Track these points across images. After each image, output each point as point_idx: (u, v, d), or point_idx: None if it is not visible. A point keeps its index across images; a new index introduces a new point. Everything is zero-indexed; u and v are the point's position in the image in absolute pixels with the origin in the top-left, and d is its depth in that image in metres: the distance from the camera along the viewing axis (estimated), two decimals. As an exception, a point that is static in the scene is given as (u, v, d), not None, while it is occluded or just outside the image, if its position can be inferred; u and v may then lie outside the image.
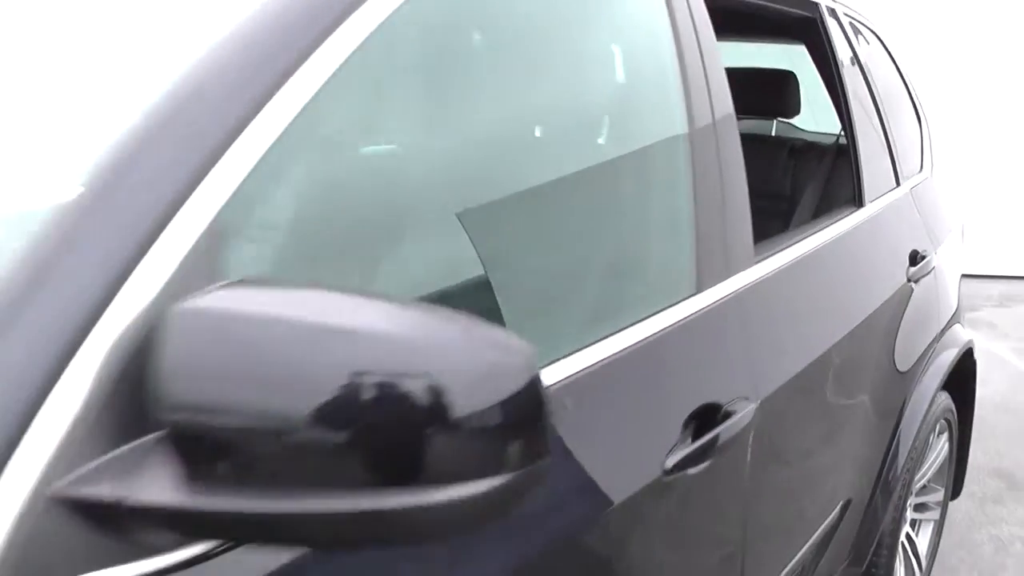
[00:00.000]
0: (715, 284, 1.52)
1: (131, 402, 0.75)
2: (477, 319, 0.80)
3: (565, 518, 1.18)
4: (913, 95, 3.01)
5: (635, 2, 1.56)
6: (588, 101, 1.51)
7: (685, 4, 1.59)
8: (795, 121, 3.09)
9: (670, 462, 1.33)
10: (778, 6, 2.20)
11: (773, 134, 3.44)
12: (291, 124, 0.92)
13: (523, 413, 0.78)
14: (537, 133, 1.47)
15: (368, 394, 0.72)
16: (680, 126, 1.53)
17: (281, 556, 0.85)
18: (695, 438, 1.39)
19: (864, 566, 2.46)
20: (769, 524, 1.80)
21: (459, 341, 0.76)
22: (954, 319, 2.87)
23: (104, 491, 0.73)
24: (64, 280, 0.76)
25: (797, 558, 1.95)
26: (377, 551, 0.91)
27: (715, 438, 1.43)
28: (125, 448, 0.75)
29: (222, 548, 0.79)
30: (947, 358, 2.71)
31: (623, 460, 1.29)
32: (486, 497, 0.76)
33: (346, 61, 0.99)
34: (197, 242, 0.82)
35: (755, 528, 1.69)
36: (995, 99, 6.82)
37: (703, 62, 1.58)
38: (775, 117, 3.29)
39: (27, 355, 0.73)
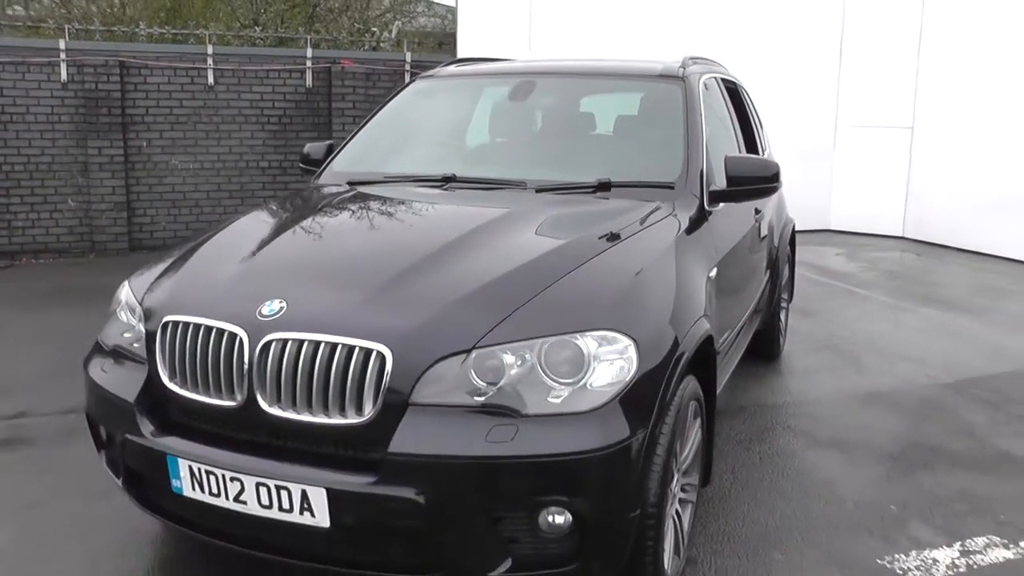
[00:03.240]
0: None
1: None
2: (773, 162, 4.02)
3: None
4: (759, 116, 6.46)
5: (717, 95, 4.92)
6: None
7: (726, 94, 5.00)
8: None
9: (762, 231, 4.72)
10: (727, 84, 5.52)
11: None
12: None
13: (774, 170, 3.99)
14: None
15: (761, 172, 3.96)
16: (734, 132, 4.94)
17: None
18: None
19: (773, 305, 5.85)
20: (761, 272, 5.20)
21: (771, 163, 4.00)
22: (787, 209, 6.39)
23: None
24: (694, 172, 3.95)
25: (758, 293, 5.29)
26: None
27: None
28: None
29: None
30: (789, 229, 6.22)
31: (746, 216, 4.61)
32: (775, 186, 4.02)
33: None
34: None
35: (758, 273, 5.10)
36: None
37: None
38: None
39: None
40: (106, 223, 10.07)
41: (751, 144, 5.60)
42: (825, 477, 4.34)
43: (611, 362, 2.69)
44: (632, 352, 2.72)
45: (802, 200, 11.50)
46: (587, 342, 2.68)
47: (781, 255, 5.93)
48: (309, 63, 10.68)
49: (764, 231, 5.24)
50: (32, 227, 9.93)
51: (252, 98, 10.54)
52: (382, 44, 13.99)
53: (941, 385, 5.78)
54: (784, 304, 6.41)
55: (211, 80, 10.32)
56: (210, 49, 10.34)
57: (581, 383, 2.64)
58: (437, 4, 17.57)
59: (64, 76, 9.78)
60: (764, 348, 6.04)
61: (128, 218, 10.18)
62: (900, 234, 11.87)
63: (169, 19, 13.34)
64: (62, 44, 9.80)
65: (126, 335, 3.17)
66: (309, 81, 10.70)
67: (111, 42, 10.69)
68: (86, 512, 3.84)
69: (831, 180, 12.31)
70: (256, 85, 10.52)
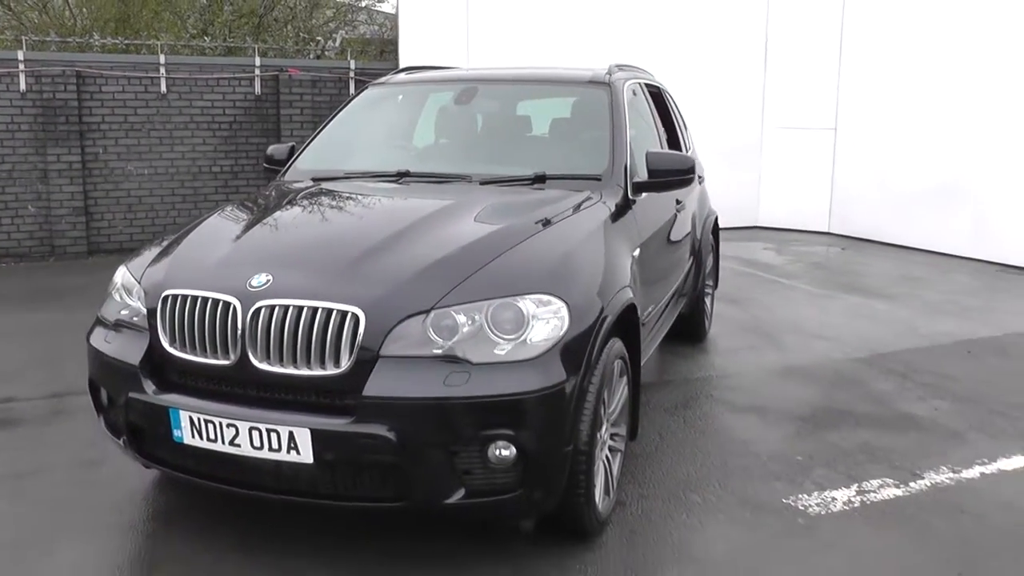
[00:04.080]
0: None
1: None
2: (689, 156, 4.61)
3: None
4: (682, 117, 7.03)
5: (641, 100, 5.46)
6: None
7: (648, 94, 5.55)
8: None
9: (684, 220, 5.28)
10: (651, 88, 6.08)
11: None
12: None
13: (690, 164, 4.54)
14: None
15: (677, 165, 4.52)
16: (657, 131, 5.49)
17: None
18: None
19: (698, 290, 6.41)
20: (684, 257, 5.77)
21: (687, 158, 4.56)
22: (710, 203, 6.97)
23: None
24: (618, 166, 4.51)
25: (682, 276, 5.84)
26: None
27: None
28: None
29: None
30: (711, 220, 6.79)
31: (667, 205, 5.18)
32: (691, 178, 4.57)
33: None
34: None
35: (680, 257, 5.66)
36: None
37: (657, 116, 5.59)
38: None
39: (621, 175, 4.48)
40: (65, 228, 10.38)
41: (674, 142, 6.14)
42: (742, 437, 4.88)
43: (547, 321, 3.20)
44: (564, 312, 3.24)
45: (732, 198, 12.19)
46: (526, 304, 3.19)
47: (704, 244, 6.49)
48: (258, 71, 11.10)
49: (686, 220, 5.79)
50: (-7, 233, 10.22)
51: (203, 105, 10.92)
52: (327, 53, 14.43)
53: (855, 360, 6.38)
54: (709, 290, 6.97)
55: (164, 88, 10.69)
56: (162, 59, 10.69)
57: (521, 338, 3.15)
58: (377, 12, 18.03)
59: (23, 86, 10.08)
60: (691, 330, 6.59)
61: (87, 223, 10.50)
62: (826, 229, 12.56)
63: (119, 29, 13.64)
64: (20, 55, 10.09)
65: (123, 312, 3.63)
66: (258, 89, 11.11)
67: (67, 53, 10.97)
68: (81, 477, 4.27)
69: (759, 179, 13.01)
70: (207, 93, 10.91)
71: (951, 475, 4.40)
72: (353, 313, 3.10)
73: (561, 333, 3.21)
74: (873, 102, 11.78)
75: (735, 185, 12.55)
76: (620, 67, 5.29)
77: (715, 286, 7.25)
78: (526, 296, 3.20)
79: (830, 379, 5.93)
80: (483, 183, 4.34)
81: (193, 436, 3.21)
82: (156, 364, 3.39)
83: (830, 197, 12.53)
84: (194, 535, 3.70)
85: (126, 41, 12.10)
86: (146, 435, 3.45)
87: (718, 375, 6.01)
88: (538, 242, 3.59)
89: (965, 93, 10.56)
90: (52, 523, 3.82)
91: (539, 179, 4.33)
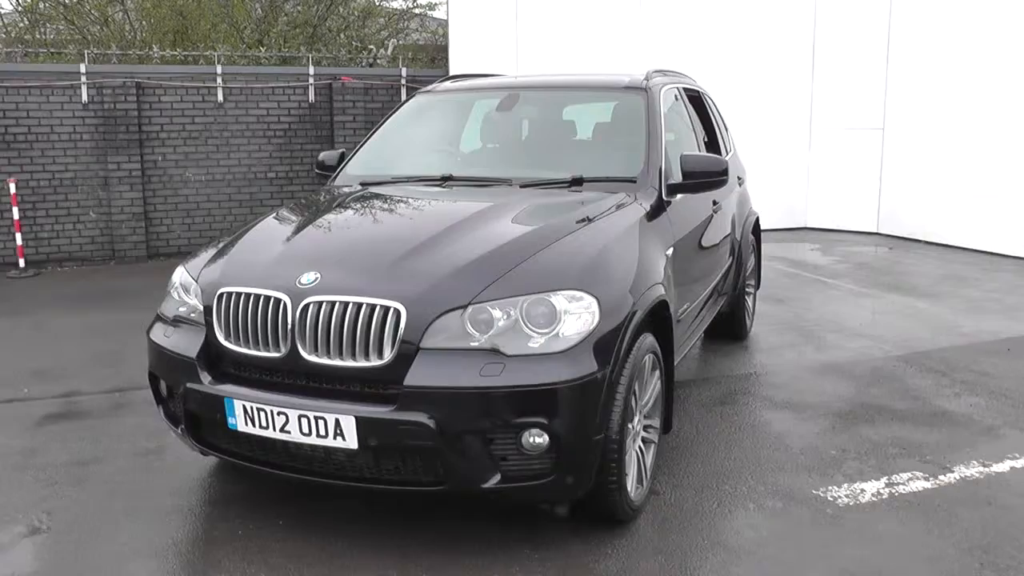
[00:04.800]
0: None
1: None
2: (723, 159, 4.75)
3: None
4: (723, 120, 7.15)
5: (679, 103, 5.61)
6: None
7: (687, 98, 5.70)
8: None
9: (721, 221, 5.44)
10: (690, 93, 6.22)
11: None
12: None
13: (723, 166, 4.68)
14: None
15: (711, 167, 4.66)
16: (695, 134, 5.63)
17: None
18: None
19: (739, 289, 6.53)
20: (723, 257, 5.90)
21: (720, 160, 4.70)
22: (751, 204, 7.08)
23: None
24: (653, 168, 4.65)
25: (720, 275, 5.95)
26: None
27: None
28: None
29: None
30: (751, 221, 6.90)
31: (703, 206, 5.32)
32: (724, 179, 4.71)
33: None
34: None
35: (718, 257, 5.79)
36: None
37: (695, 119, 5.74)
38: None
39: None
40: (126, 232, 10.77)
41: (714, 145, 6.27)
42: (777, 431, 5.00)
43: (578, 316, 3.38)
44: (595, 308, 3.41)
45: (780, 199, 12.27)
46: (559, 300, 3.36)
47: (745, 244, 6.61)
48: (311, 80, 11.39)
49: (724, 221, 5.92)
50: (57, 238, 10.62)
51: (259, 114, 11.25)
52: (379, 60, 14.73)
53: (894, 357, 6.45)
54: (751, 290, 7.08)
55: (220, 98, 11.02)
56: (219, 69, 11.03)
57: (554, 332, 3.33)
58: (429, 18, 18.30)
59: (85, 97, 10.48)
60: (732, 329, 6.72)
61: (146, 228, 10.88)
62: (874, 230, 12.55)
63: (177, 41, 14.04)
64: (83, 68, 10.49)
65: (181, 309, 3.87)
66: (311, 97, 11.41)
67: (128, 64, 11.35)
68: (142, 465, 4.53)
69: (807, 180, 13.04)
70: (262, 101, 11.23)
71: (981, 469, 4.48)
72: (395, 308, 3.30)
73: (592, 327, 3.38)
74: (921, 102, 11.77)
75: (783, 186, 12.61)
76: (658, 72, 5.45)
77: (757, 286, 7.37)
78: (558, 292, 3.38)
79: (868, 376, 6.02)
80: (523, 186, 4.52)
81: (247, 424, 3.43)
82: (212, 357, 3.62)
83: (878, 197, 12.53)
84: (247, 517, 3.92)
85: (184, 52, 12.48)
86: (203, 423, 3.69)
87: (758, 372, 6.13)
88: (571, 241, 3.76)
89: (1011, 92, 10.53)
90: (114, 506, 4.06)
91: (576, 182, 4.51)
